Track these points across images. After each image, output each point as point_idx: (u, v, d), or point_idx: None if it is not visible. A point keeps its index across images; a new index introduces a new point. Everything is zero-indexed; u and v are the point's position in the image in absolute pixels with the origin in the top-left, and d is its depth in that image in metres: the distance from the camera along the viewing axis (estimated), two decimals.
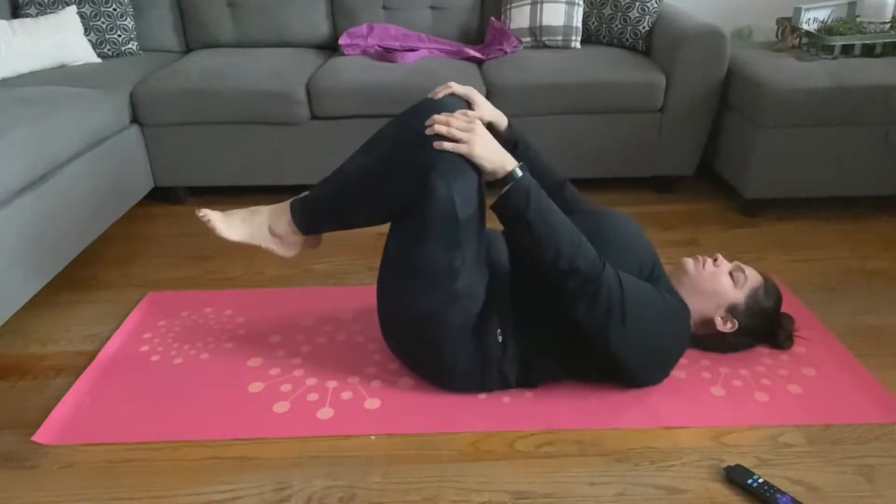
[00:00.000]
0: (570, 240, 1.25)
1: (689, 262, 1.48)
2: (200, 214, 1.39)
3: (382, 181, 1.32)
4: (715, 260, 1.47)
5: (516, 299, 1.37)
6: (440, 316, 1.32)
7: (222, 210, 1.43)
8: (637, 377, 1.39)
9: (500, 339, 1.34)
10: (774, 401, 1.40)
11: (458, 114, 1.28)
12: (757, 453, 1.27)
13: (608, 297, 1.24)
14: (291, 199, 1.42)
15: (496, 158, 1.26)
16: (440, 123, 1.26)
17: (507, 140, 1.43)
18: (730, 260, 1.51)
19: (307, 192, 1.42)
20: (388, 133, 1.39)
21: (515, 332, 1.35)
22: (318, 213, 1.40)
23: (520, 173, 1.26)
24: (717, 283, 1.43)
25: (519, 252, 1.37)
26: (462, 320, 1.33)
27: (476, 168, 1.27)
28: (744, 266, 1.47)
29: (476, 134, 1.25)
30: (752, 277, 1.45)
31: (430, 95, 1.41)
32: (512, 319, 1.36)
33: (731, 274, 1.45)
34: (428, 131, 1.26)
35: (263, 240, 1.41)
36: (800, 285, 1.84)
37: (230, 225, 1.40)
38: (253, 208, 1.44)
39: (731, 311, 1.43)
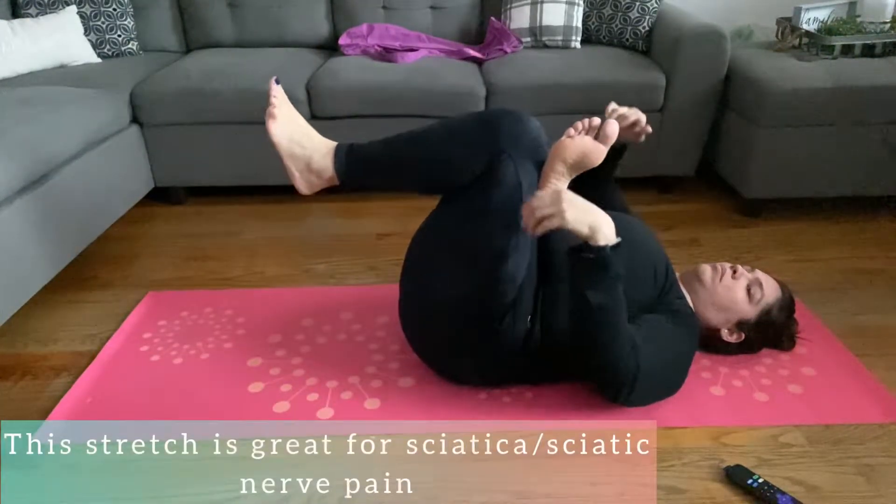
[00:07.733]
0: (621, 343, 1.20)
1: (707, 272, 1.44)
2: (273, 92, 1.31)
3: (453, 149, 1.29)
4: (735, 272, 1.43)
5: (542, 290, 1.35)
6: (474, 300, 1.28)
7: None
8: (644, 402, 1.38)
9: (528, 324, 1.30)
10: (774, 401, 1.40)
11: (532, 200, 1.17)
12: (757, 453, 1.27)
13: (631, 382, 1.23)
14: (337, 144, 1.35)
15: (592, 220, 1.13)
16: (526, 219, 1.17)
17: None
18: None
19: (354, 144, 1.34)
20: (460, 117, 1.34)
21: (535, 320, 1.32)
22: (369, 168, 1.35)
23: (609, 254, 1.14)
24: (731, 298, 1.41)
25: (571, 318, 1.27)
26: (496, 308, 1.28)
27: (538, 165, 1.27)
28: (763, 280, 1.43)
29: (562, 205, 1.13)
30: (769, 293, 1.42)
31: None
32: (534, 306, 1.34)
33: (748, 288, 1.41)
34: (524, 228, 1.19)
35: (292, 158, 1.33)
36: (800, 285, 1.83)
37: (282, 123, 1.32)
38: (311, 131, 1.36)
39: (740, 325, 1.43)
